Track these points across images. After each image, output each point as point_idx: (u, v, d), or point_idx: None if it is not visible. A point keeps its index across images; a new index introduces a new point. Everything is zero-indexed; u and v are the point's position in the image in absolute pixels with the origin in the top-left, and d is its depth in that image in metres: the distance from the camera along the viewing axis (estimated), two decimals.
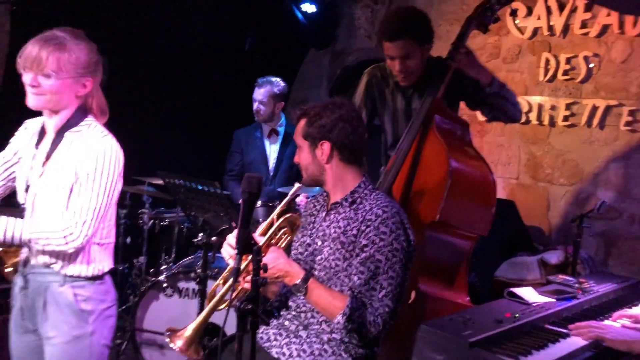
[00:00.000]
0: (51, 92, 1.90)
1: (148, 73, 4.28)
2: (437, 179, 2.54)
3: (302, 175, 2.20)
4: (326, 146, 2.08)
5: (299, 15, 4.97)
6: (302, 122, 2.13)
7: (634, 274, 3.52)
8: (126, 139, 2.14)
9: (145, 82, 4.26)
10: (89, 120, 2.01)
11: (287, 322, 2.13)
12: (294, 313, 2.13)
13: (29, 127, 2.11)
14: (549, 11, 3.97)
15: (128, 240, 3.92)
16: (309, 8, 4.96)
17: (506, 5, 2.79)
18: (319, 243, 2.14)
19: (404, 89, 2.87)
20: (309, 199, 2.39)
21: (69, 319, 1.96)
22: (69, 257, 1.95)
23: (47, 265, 1.96)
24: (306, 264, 2.17)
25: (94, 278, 2.01)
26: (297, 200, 3.83)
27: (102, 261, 2.04)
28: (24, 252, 2.01)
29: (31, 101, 1.92)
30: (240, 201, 1.71)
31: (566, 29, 3.92)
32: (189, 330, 1.83)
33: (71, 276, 1.97)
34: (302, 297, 2.13)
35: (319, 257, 2.12)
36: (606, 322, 2.19)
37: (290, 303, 2.17)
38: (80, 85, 1.95)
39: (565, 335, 1.96)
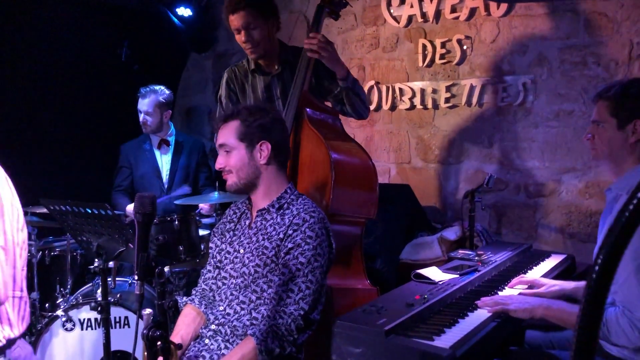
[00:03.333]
0: None
1: (20, 94, 3.97)
2: (320, 172, 2.56)
3: (229, 181, 2.07)
4: (265, 147, 2.03)
5: (175, 20, 4.81)
6: (235, 123, 2.04)
7: (525, 239, 3.78)
8: (2, 166, 1.97)
9: (17, 104, 3.95)
10: None
11: (207, 340, 2.05)
12: (213, 327, 2.05)
13: None
14: None
15: None
16: (185, 12, 4.82)
17: None
18: (241, 251, 2.08)
19: (264, 77, 2.92)
20: (230, 207, 2.31)
21: None
22: None
23: None
24: (225, 272, 2.11)
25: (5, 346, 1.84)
26: (200, 205, 3.73)
27: (15, 321, 1.87)
28: None
29: None
30: (135, 223, 1.61)
31: (438, 14, 4.10)
32: None
33: None
34: (219, 307, 2.07)
35: (238, 265, 2.06)
36: (506, 291, 2.32)
37: (209, 315, 2.09)
38: None
39: (472, 309, 2.05)
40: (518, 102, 3.82)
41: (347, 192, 2.57)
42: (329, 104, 2.96)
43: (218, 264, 2.16)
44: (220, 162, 2.07)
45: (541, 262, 2.84)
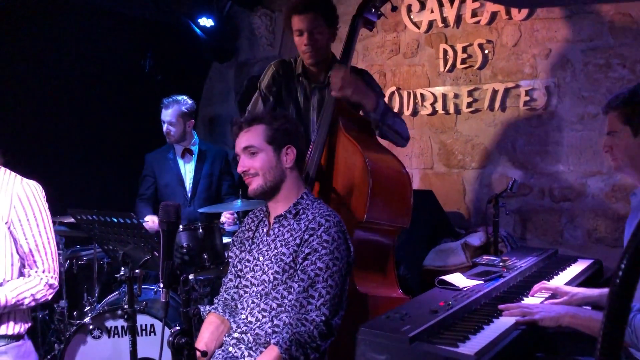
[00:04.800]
0: None
1: (47, 106, 4.06)
2: (357, 180, 2.56)
3: (254, 184, 2.05)
4: (291, 151, 2.07)
5: (197, 30, 4.88)
6: (261, 127, 2.06)
7: (550, 244, 3.73)
8: (29, 177, 2.05)
9: (45, 116, 4.04)
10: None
11: (231, 349, 2.06)
12: (236, 336, 2.07)
13: None
14: (440, 4, 4.12)
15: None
16: (207, 22, 4.88)
17: (387, 2, 2.86)
18: (261, 259, 2.09)
19: (307, 84, 2.91)
20: (239, 216, 2.34)
21: None
22: None
23: None
24: (246, 280, 2.12)
25: (16, 337, 1.97)
26: (222, 219, 3.76)
27: (21, 318, 1.97)
28: None
29: None
30: (160, 232, 1.63)
31: (459, 19, 4.09)
32: None
33: None
34: (241, 315, 2.08)
35: (258, 273, 2.07)
36: (529, 299, 2.28)
37: (232, 324, 2.11)
38: None
39: (497, 315, 2.03)
40: (541, 106, 3.78)
41: (383, 201, 2.57)
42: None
43: (239, 273, 2.18)
44: (244, 165, 2.06)
45: (567, 268, 2.80)
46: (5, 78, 1.88)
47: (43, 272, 1.98)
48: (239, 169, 2.08)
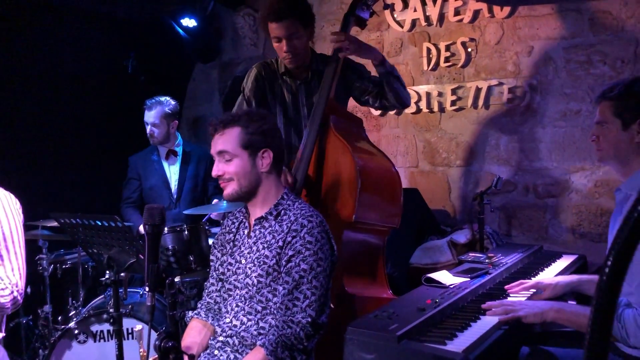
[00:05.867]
0: None
1: (28, 108, 4.00)
2: (346, 179, 2.56)
3: (228, 189, 2.03)
4: (268, 155, 2.02)
5: (180, 31, 4.84)
6: (236, 130, 2.00)
7: (535, 240, 3.76)
8: (11, 182, 2.00)
9: (25, 119, 3.99)
10: None
11: (216, 352, 2.05)
12: (221, 339, 2.05)
13: None
14: (423, 2, 4.14)
15: (29, 290, 3.63)
16: (190, 22, 4.84)
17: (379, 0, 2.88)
18: (243, 261, 2.07)
19: (292, 82, 2.92)
20: (226, 217, 2.31)
21: None
22: None
23: None
24: (229, 284, 2.10)
25: None
26: (212, 215, 3.73)
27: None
28: None
29: None
30: (145, 235, 1.62)
31: (441, 17, 4.10)
32: None
33: None
34: (225, 319, 2.07)
35: (242, 276, 2.06)
36: (512, 298, 2.26)
37: (216, 328, 2.09)
38: None
39: (484, 312, 2.04)
40: (524, 103, 3.81)
41: (372, 201, 2.56)
42: (372, 107, 2.95)
43: (221, 276, 2.15)
44: (218, 170, 2.02)
45: (552, 263, 2.83)
46: None
47: (9, 284, 1.90)
48: (213, 173, 2.04)
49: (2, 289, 1.82)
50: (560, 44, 3.69)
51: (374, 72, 2.92)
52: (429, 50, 4.15)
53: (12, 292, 1.85)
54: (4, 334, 1.97)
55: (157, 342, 1.48)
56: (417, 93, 4.21)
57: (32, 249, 3.55)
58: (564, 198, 3.74)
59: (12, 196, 1.92)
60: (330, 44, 2.81)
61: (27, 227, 3.34)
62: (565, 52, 3.68)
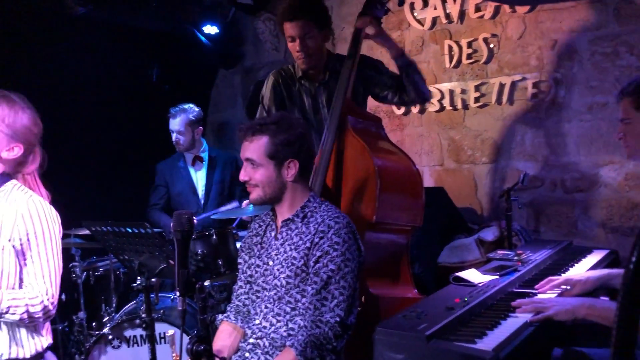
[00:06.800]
0: None
1: (57, 120, 4.07)
2: (365, 180, 2.56)
3: (254, 194, 2.08)
4: (293, 165, 2.05)
5: (203, 38, 4.91)
6: (264, 140, 2.04)
7: (564, 236, 3.70)
8: (47, 192, 2.05)
9: (55, 130, 4.06)
10: (13, 182, 1.94)
11: (247, 354, 2.07)
12: (252, 341, 2.08)
13: None
14: (443, 0, 4.12)
15: (63, 297, 3.71)
16: (211, 30, 4.91)
17: None
18: (270, 263, 2.10)
19: (310, 85, 2.94)
20: (253, 220, 2.34)
21: None
22: (6, 339, 1.83)
23: None
24: (258, 285, 2.13)
25: (33, 358, 1.88)
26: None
27: (39, 333, 1.91)
28: None
29: None
30: (175, 241, 1.65)
31: (462, 14, 4.08)
32: None
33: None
34: (254, 321, 2.09)
35: (270, 278, 2.08)
36: (540, 296, 2.23)
37: (246, 330, 2.12)
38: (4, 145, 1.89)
39: (514, 310, 2.02)
40: (549, 98, 3.76)
41: (393, 200, 2.56)
42: (394, 105, 2.96)
43: (249, 279, 2.18)
44: (245, 175, 2.08)
45: (583, 259, 2.79)
46: (13, 91, 1.91)
47: (47, 290, 1.86)
48: (241, 177, 2.10)
49: (32, 298, 1.81)
50: (585, 36, 3.63)
51: (392, 68, 2.92)
52: (450, 47, 4.12)
53: (42, 301, 1.83)
54: (52, 342, 1.99)
55: (189, 346, 1.51)
56: (440, 91, 4.19)
57: (65, 257, 3.61)
58: (593, 192, 3.68)
59: (48, 204, 1.96)
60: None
61: (61, 235, 3.43)
62: (590, 44, 3.62)
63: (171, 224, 1.64)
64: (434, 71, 4.25)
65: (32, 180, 2.01)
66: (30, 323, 1.85)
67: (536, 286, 2.29)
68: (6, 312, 1.77)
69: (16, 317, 1.79)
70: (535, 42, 3.81)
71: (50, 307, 1.87)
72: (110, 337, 3.12)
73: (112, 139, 4.58)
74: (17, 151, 1.92)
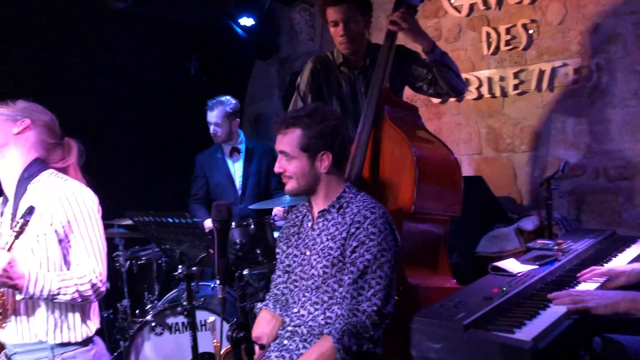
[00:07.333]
0: None
1: (99, 113, 4.20)
2: (403, 170, 2.54)
3: (289, 185, 2.11)
4: (327, 157, 2.07)
5: (239, 30, 4.95)
6: (297, 132, 2.06)
7: (607, 225, 3.62)
8: (87, 183, 2.11)
9: (95, 123, 4.19)
10: (50, 170, 2.00)
11: (286, 341, 2.11)
12: (290, 329, 2.11)
13: None
14: None
15: (108, 285, 3.81)
16: (247, 21, 4.95)
17: None
18: (307, 253, 2.13)
19: (349, 72, 2.92)
20: (288, 210, 2.37)
21: None
22: (58, 323, 1.90)
23: (34, 340, 1.89)
24: (295, 275, 2.16)
25: (84, 342, 1.94)
26: (274, 212, 3.82)
27: (88, 317, 1.98)
28: (3, 331, 1.92)
29: None
30: (214, 230, 1.68)
31: (500, 0, 4.00)
32: None
33: (61, 344, 1.90)
34: (293, 309, 2.12)
35: (307, 267, 2.11)
36: (582, 285, 2.18)
37: (285, 318, 2.16)
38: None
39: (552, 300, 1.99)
40: (591, 84, 3.67)
41: (431, 190, 2.54)
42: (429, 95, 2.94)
43: (287, 268, 2.21)
44: (280, 166, 2.11)
45: (627, 249, 2.71)
46: (56, 86, 1.97)
47: (87, 271, 1.90)
48: (275, 169, 2.13)
49: (80, 277, 1.86)
50: (629, 19, 3.52)
51: None
52: (488, 34, 4.06)
53: (91, 279, 1.87)
54: (99, 326, 2.05)
55: (229, 333, 1.54)
56: (478, 78, 4.13)
57: (109, 246, 3.73)
58: (639, 180, 3.58)
59: (84, 186, 2.01)
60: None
61: (104, 226, 3.54)
62: (634, 27, 3.51)
63: (211, 214, 1.67)
64: (472, 59, 4.19)
65: (73, 174, 2.07)
66: (83, 302, 1.90)
67: (578, 274, 2.25)
68: (57, 294, 1.83)
69: (68, 298, 1.85)
70: (576, 27, 3.72)
71: (100, 284, 1.92)
72: (153, 324, 3.21)
73: (153, 132, 4.68)
74: (26, 122, 1.98)
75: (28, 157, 1.97)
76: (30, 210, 1.79)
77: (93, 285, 1.89)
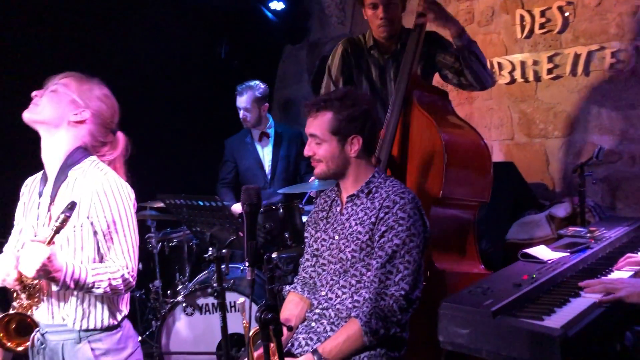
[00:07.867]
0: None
1: (131, 98, 4.25)
2: (432, 155, 2.53)
3: (318, 169, 2.12)
4: (357, 141, 2.07)
5: (269, 14, 4.95)
6: (328, 115, 2.06)
7: None
8: (127, 178, 2.13)
9: (128, 107, 4.24)
10: (92, 158, 2.01)
11: (313, 324, 2.13)
12: (317, 311, 2.13)
13: (29, 183, 2.11)
14: None
15: (140, 266, 3.90)
16: (278, 5, 4.95)
17: None
18: (336, 237, 2.14)
19: (379, 56, 2.91)
20: (319, 195, 2.38)
21: None
22: (86, 313, 1.94)
23: (62, 322, 1.94)
24: (323, 259, 2.17)
25: (109, 328, 1.98)
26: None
27: (117, 307, 2.02)
28: (37, 310, 1.97)
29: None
30: (243, 214, 1.71)
31: None
32: None
33: (87, 330, 1.94)
34: (321, 292, 2.14)
35: (335, 251, 2.12)
36: (616, 273, 2.15)
37: (313, 301, 2.18)
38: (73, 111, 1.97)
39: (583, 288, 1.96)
40: (630, 68, 3.56)
41: (460, 176, 2.53)
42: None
43: (315, 252, 2.23)
44: (310, 150, 2.12)
45: None
46: (88, 70, 2.00)
47: (120, 266, 1.93)
48: (305, 152, 2.14)
49: (113, 272, 1.90)
50: None
51: None
52: (522, 17, 3.97)
53: (123, 274, 1.91)
54: (127, 312, 2.08)
55: (257, 314, 1.56)
56: (511, 62, 4.05)
57: (141, 228, 3.78)
58: None
59: (124, 181, 2.03)
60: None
61: (136, 208, 3.61)
62: None
63: (241, 198, 1.69)
64: (505, 42, 4.12)
65: (115, 166, 2.08)
66: (114, 294, 1.95)
67: (613, 264, 2.21)
68: (92, 287, 1.87)
69: (100, 291, 1.89)
70: (615, 9, 3.61)
71: (131, 279, 1.95)
72: (184, 304, 3.28)
73: (184, 115, 4.73)
74: (85, 115, 1.98)
75: (74, 144, 1.98)
76: (72, 206, 1.80)
77: (125, 280, 1.92)
